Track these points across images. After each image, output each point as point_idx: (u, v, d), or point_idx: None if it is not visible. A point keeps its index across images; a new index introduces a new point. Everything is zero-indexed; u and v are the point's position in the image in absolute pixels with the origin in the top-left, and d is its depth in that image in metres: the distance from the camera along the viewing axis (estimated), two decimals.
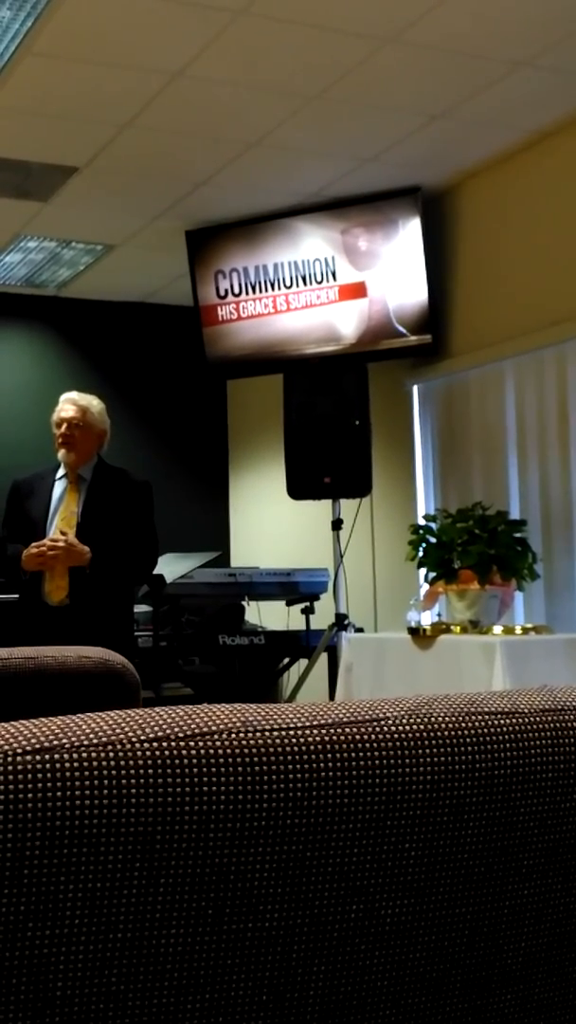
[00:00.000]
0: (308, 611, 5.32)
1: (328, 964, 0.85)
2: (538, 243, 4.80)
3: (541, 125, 4.62)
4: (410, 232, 5.17)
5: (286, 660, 5.49)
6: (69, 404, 4.17)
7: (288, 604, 5.49)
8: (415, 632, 4.23)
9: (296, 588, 5.46)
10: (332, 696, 4.80)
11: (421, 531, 4.43)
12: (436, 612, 4.52)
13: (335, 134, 4.63)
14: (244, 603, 5.54)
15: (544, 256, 4.77)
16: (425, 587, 4.54)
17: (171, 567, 5.09)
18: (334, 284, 5.36)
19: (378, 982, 0.88)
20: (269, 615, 5.69)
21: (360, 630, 5.14)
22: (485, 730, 0.95)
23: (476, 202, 5.16)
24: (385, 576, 5.60)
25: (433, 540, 4.38)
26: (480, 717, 0.96)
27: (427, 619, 4.37)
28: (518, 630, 4.09)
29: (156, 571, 4.84)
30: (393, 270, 5.23)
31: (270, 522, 6.42)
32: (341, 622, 5.12)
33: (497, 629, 4.08)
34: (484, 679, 3.87)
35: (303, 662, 5.22)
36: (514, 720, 0.97)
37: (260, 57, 3.97)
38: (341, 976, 0.87)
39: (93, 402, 4.22)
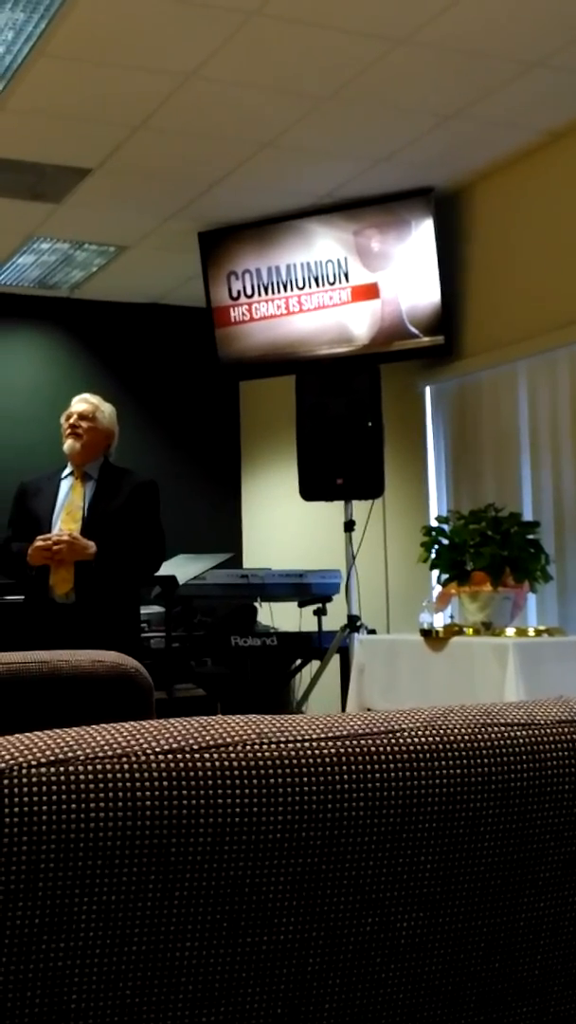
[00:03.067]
0: (320, 612, 5.32)
1: (343, 977, 0.85)
2: (551, 243, 4.79)
3: (554, 125, 4.61)
4: (423, 233, 5.16)
5: (298, 661, 5.49)
6: (81, 401, 4.24)
7: (300, 605, 5.49)
8: (427, 634, 4.22)
9: (308, 589, 5.46)
10: (344, 697, 4.79)
11: (433, 532, 4.43)
12: (449, 614, 4.51)
13: (347, 135, 4.62)
14: (256, 604, 5.54)
15: (557, 256, 4.76)
16: (437, 589, 4.53)
17: (183, 568, 5.10)
18: (347, 285, 5.35)
19: (394, 995, 0.88)
20: (281, 616, 5.69)
21: (372, 632, 5.13)
22: (501, 742, 0.94)
23: (489, 203, 5.15)
24: (397, 578, 5.60)
25: (445, 542, 4.37)
26: (496, 729, 0.95)
27: (439, 621, 4.36)
28: (531, 632, 4.08)
29: (168, 572, 4.85)
30: (406, 271, 5.22)
31: (282, 523, 6.42)
32: (353, 623, 5.12)
33: (510, 631, 4.07)
34: (497, 681, 3.86)
35: (315, 663, 5.21)
36: (530, 732, 0.96)
37: (272, 58, 3.97)
38: (356, 989, 0.86)
39: (104, 405, 4.27)
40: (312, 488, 5.32)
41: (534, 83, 4.19)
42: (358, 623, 5.12)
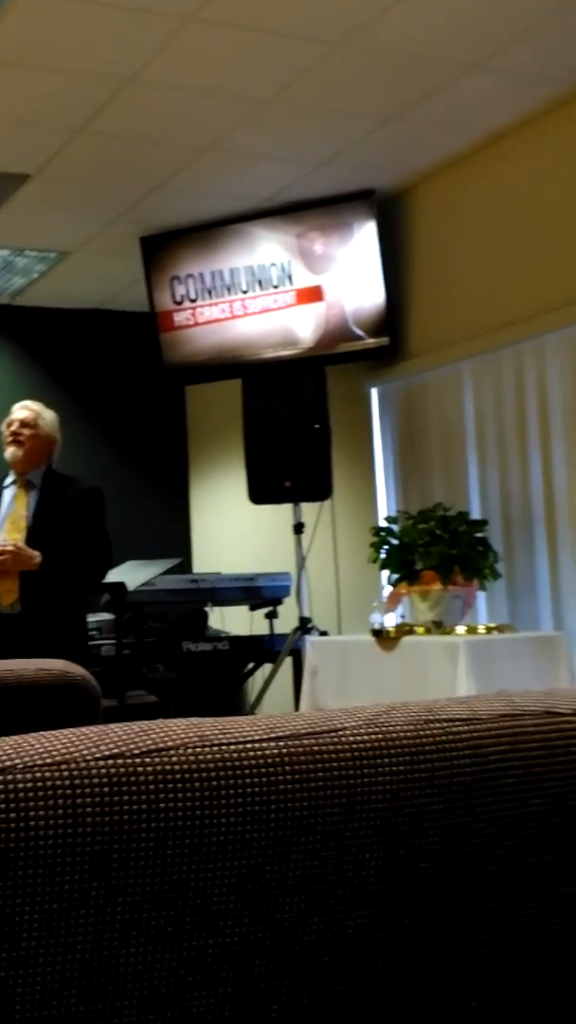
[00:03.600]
0: (272, 615, 5.32)
1: (291, 977, 0.85)
2: (493, 244, 4.83)
3: (494, 127, 4.65)
4: (366, 235, 5.18)
5: (250, 665, 5.49)
6: (22, 408, 4.21)
7: (251, 609, 5.49)
8: (379, 634, 4.24)
9: (259, 593, 5.45)
10: (297, 700, 4.79)
11: (383, 533, 4.45)
12: (399, 614, 4.53)
13: (288, 138, 4.63)
14: (207, 609, 5.53)
15: (499, 257, 4.80)
16: (388, 589, 4.55)
17: (133, 575, 5.08)
18: (291, 288, 5.36)
19: (342, 994, 0.88)
20: (233, 620, 5.69)
21: (324, 633, 5.14)
22: (444, 738, 0.95)
23: (431, 204, 5.18)
24: (348, 579, 5.61)
25: (395, 542, 4.39)
26: (438, 725, 0.96)
27: (390, 621, 4.38)
28: (481, 630, 4.11)
29: (117, 579, 4.83)
30: (349, 273, 5.24)
31: (232, 527, 6.41)
32: (305, 626, 5.12)
33: (460, 629, 4.10)
34: (448, 679, 3.88)
35: (268, 667, 5.21)
36: (473, 727, 0.97)
37: (211, 62, 3.97)
38: (304, 989, 0.86)
39: (46, 412, 4.24)
40: (261, 491, 5.32)
41: (473, 85, 4.22)
42: (309, 625, 5.13)
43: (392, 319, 5.21)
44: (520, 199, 4.69)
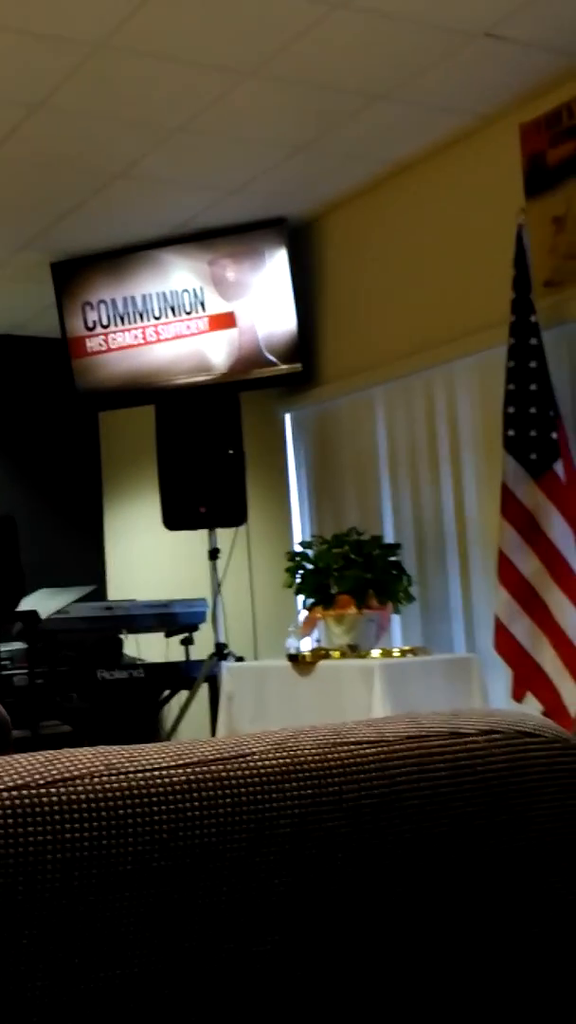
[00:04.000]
0: (187, 642, 5.30)
1: (201, 1004, 0.85)
2: (402, 272, 4.90)
3: (399, 157, 4.72)
4: (277, 263, 5.22)
5: (167, 692, 5.45)
6: None
7: (167, 635, 5.46)
8: (295, 659, 4.24)
9: (175, 619, 5.43)
10: (214, 726, 4.77)
11: (297, 558, 4.46)
12: (315, 638, 4.54)
13: (199, 166, 4.65)
14: (122, 636, 5.48)
15: (408, 285, 4.86)
16: (303, 613, 4.56)
17: (46, 602, 5.02)
18: (203, 315, 5.37)
19: (253, 1018, 0.88)
20: (148, 647, 5.65)
21: (240, 659, 5.13)
22: (351, 760, 0.95)
23: (340, 233, 5.24)
24: (264, 604, 5.61)
25: (310, 566, 4.41)
26: (346, 747, 0.96)
27: (306, 645, 4.39)
28: (396, 653, 4.14)
29: (30, 607, 4.77)
30: (262, 300, 5.27)
31: (147, 553, 6.38)
32: (221, 652, 5.11)
33: (375, 652, 4.13)
34: (364, 703, 3.90)
35: (184, 693, 5.18)
36: (380, 749, 0.97)
37: (121, 89, 3.97)
38: (214, 1015, 0.86)
39: None
40: (175, 517, 5.31)
41: (379, 116, 4.29)
42: (226, 651, 5.12)
43: (304, 345, 5.25)
44: (427, 228, 4.77)
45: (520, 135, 4.33)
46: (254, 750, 0.92)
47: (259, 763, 0.91)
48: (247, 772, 0.90)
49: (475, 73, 4.02)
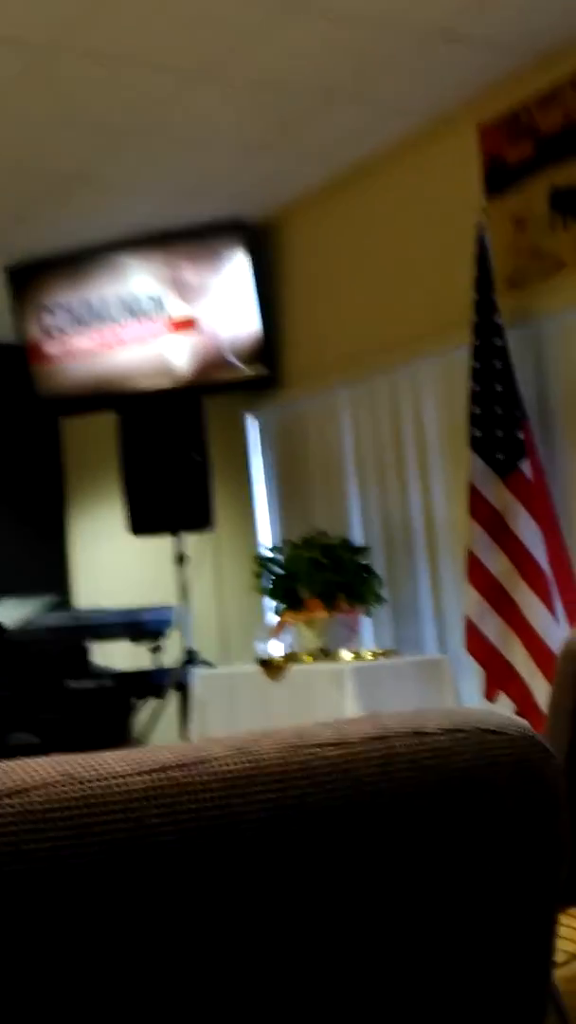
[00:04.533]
0: (156, 649, 5.28)
1: (162, 1010, 0.84)
2: (364, 273, 4.90)
3: (359, 158, 4.73)
4: (237, 265, 5.21)
5: (136, 701, 5.43)
6: None
7: (135, 643, 5.43)
8: (266, 664, 4.24)
9: (143, 627, 5.40)
10: (185, 733, 4.76)
11: (266, 562, 4.46)
12: (286, 642, 4.54)
13: (156, 168, 4.64)
14: (90, 645, 5.45)
15: (371, 284, 4.87)
16: (273, 618, 4.55)
17: (11, 613, 4.99)
18: (164, 318, 5.36)
19: (213, 1022, 0.87)
20: (116, 656, 5.62)
21: (210, 665, 5.12)
22: (314, 762, 0.95)
23: (301, 234, 5.24)
24: (233, 609, 5.60)
25: (278, 570, 4.40)
26: (308, 750, 0.95)
27: (277, 650, 4.38)
28: (367, 655, 4.14)
29: None
30: (223, 303, 5.26)
31: (113, 560, 6.35)
32: (191, 658, 5.10)
33: (346, 655, 4.12)
34: (336, 705, 3.90)
35: (154, 701, 5.16)
36: (342, 750, 0.97)
37: (75, 92, 3.96)
38: (175, 1020, 0.85)
39: None
40: (141, 523, 5.29)
41: (338, 116, 4.29)
42: (195, 657, 5.11)
43: (268, 348, 5.24)
44: (388, 229, 4.77)
45: (479, 135, 4.35)
46: (215, 755, 0.91)
47: (220, 768, 0.90)
48: (208, 777, 0.89)
49: (433, 74, 4.04)
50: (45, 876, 0.79)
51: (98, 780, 0.85)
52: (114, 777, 0.85)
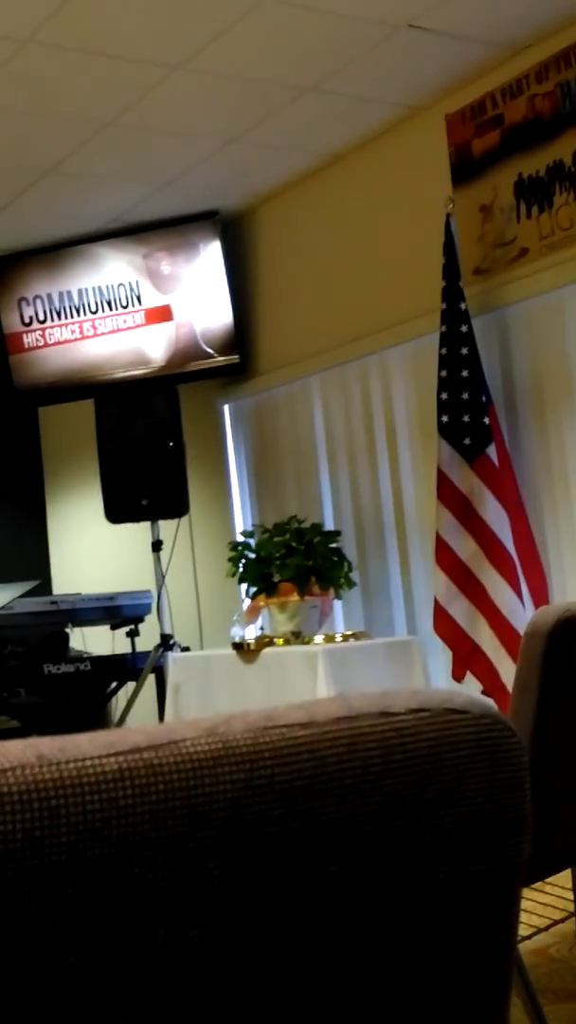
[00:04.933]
0: (133, 634, 5.29)
1: (138, 992, 0.86)
2: (335, 262, 4.92)
3: (330, 148, 4.74)
4: (211, 255, 5.22)
5: (114, 684, 5.44)
6: None
7: (113, 628, 5.45)
8: (240, 647, 4.26)
9: (120, 612, 5.42)
10: (162, 717, 4.78)
11: (239, 547, 4.48)
12: (259, 626, 4.57)
13: (130, 160, 4.64)
14: (68, 630, 5.46)
15: (341, 274, 4.89)
16: (247, 602, 4.58)
17: None
18: (140, 308, 5.36)
19: (189, 1003, 0.89)
20: (94, 640, 5.63)
21: (186, 649, 5.14)
22: (283, 743, 0.97)
23: (273, 224, 5.25)
24: (208, 594, 5.63)
25: (252, 555, 4.43)
26: (277, 731, 0.98)
27: (251, 633, 4.41)
28: (339, 638, 4.18)
29: None
30: (197, 293, 5.27)
31: (90, 547, 6.36)
32: (166, 642, 5.12)
33: (318, 638, 4.16)
34: (309, 688, 3.93)
35: (131, 685, 5.18)
36: (311, 731, 0.99)
37: (50, 85, 3.95)
38: (152, 1001, 0.87)
39: None
40: (118, 510, 5.30)
41: (309, 107, 4.30)
42: (171, 642, 5.13)
43: (241, 337, 5.26)
44: (359, 218, 4.79)
45: (446, 125, 4.36)
46: (185, 736, 0.93)
47: (191, 749, 0.92)
48: (179, 758, 0.91)
49: (401, 64, 4.05)
50: (20, 856, 0.81)
51: (71, 761, 0.87)
52: (87, 759, 0.87)
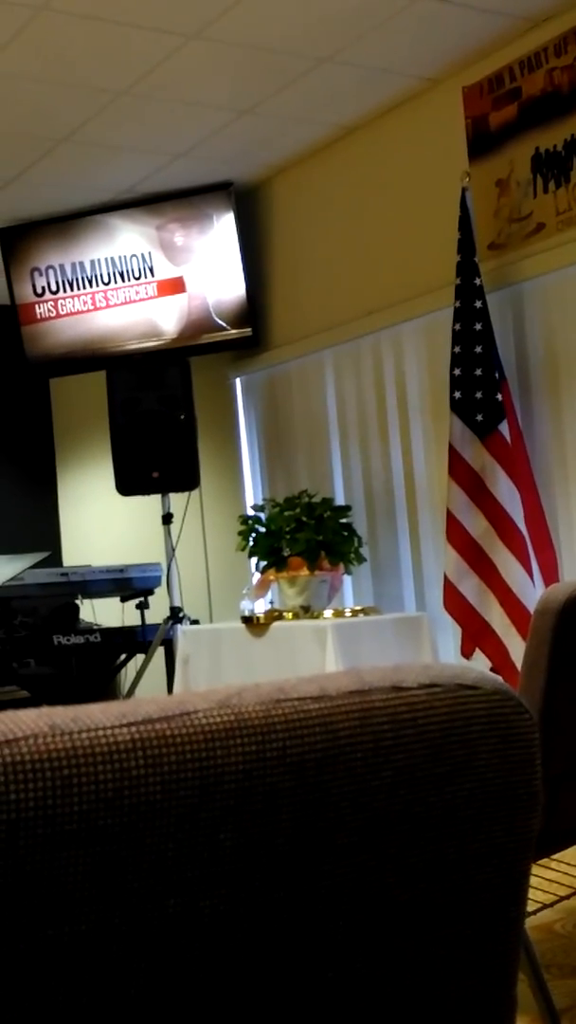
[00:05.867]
0: (143, 606, 5.31)
1: (148, 960, 0.86)
2: (348, 235, 4.89)
3: (345, 119, 4.71)
4: (225, 227, 5.19)
5: (123, 656, 5.47)
6: None
7: (122, 600, 5.47)
8: (249, 620, 4.27)
9: (130, 584, 5.44)
10: (170, 689, 4.80)
11: (250, 521, 4.49)
12: (269, 600, 4.58)
13: (145, 130, 4.61)
14: (78, 602, 5.48)
15: (355, 247, 4.87)
16: (256, 576, 4.59)
17: (0, 569, 5.01)
18: (152, 280, 5.35)
19: (200, 972, 0.90)
20: (104, 612, 5.65)
21: (196, 622, 5.16)
22: (295, 716, 0.97)
23: (287, 196, 5.22)
24: (217, 567, 5.63)
25: (262, 529, 4.43)
26: (289, 703, 0.98)
27: (260, 607, 4.42)
28: (348, 613, 4.18)
29: None
30: (210, 264, 5.25)
31: (101, 519, 6.37)
32: (176, 615, 5.14)
33: (328, 613, 4.17)
34: (318, 662, 3.94)
35: (140, 657, 5.20)
36: (322, 704, 0.99)
37: (64, 53, 3.92)
38: (162, 970, 0.88)
39: None
40: (128, 483, 5.31)
41: (324, 78, 4.27)
42: (181, 614, 5.14)
43: (253, 310, 5.24)
44: (373, 191, 4.76)
45: (463, 98, 4.33)
46: (198, 708, 0.93)
47: (203, 720, 0.92)
48: (191, 729, 0.91)
49: (418, 35, 4.02)
50: (32, 824, 0.82)
51: (83, 731, 0.87)
52: (99, 729, 0.87)
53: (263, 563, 4.44)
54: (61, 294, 5.50)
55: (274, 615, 4.27)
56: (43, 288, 5.54)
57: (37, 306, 5.56)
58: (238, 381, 5.56)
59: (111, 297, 5.43)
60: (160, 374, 5.29)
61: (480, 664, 3.82)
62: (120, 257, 5.38)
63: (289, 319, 5.24)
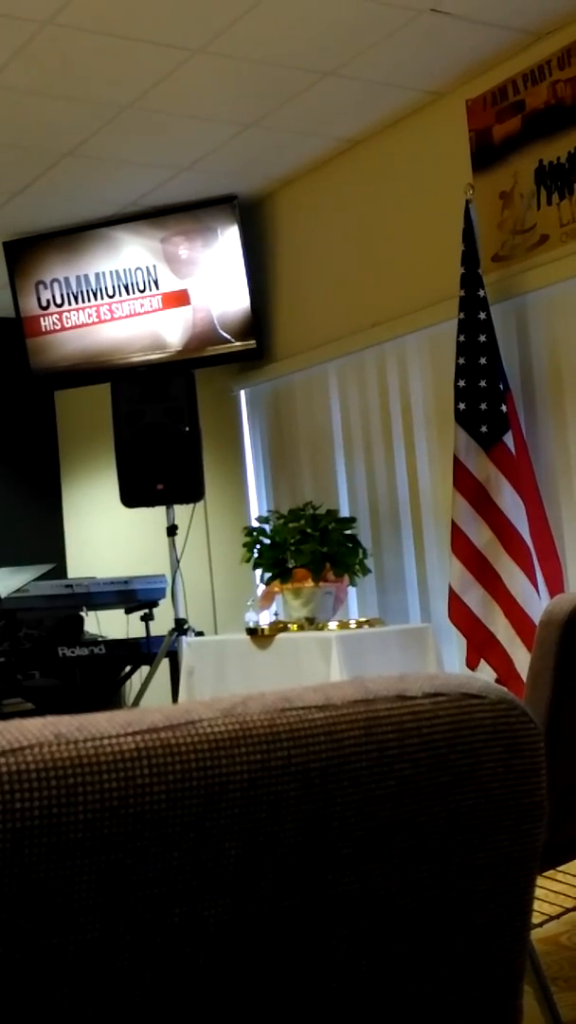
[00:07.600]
0: (147, 618, 5.31)
1: (153, 970, 0.86)
2: (352, 247, 4.91)
3: (349, 133, 4.72)
4: (229, 240, 5.21)
5: (128, 668, 5.47)
6: None
7: (127, 612, 5.47)
8: (253, 632, 4.27)
9: (134, 596, 5.44)
10: (175, 701, 4.79)
11: (254, 533, 4.49)
12: (273, 611, 4.57)
13: (150, 143, 4.63)
14: (83, 613, 5.49)
15: (359, 260, 4.88)
16: (261, 588, 4.59)
17: (5, 581, 5.01)
18: (157, 292, 5.36)
19: (204, 981, 0.90)
20: (109, 624, 5.65)
21: (200, 634, 5.15)
22: (300, 725, 0.97)
23: (292, 209, 5.24)
24: (222, 579, 5.64)
25: (267, 541, 4.44)
26: (294, 712, 0.98)
27: (265, 619, 4.42)
28: (352, 624, 4.18)
29: None
30: (215, 277, 5.27)
31: (105, 531, 6.38)
32: (181, 627, 5.13)
33: (332, 624, 4.16)
34: (322, 674, 3.93)
35: (145, 669, 5.20)
36: (327, 713, 0.99)
37: (69, 67, 3.94)
38: (167, 979, 0.88)
39: None
40: (133, 495, 5.31)
41: (328, 92, 4.29)
42: (185, 626, 5.14)
43: (258, 322, 5.25)
44: (377, 204, 4.78)
45: (467, 111, 4.34)
46: (203, 717, 0.93)
47: (208, 729, 0.92)
48: (196, 738, 0.91)
49: (422, 49, 4.03)
50: (37, 833, 0.82)
51: (89, 740, 0.87)
52: (104, 738, 0.87)
53: (268, 575, 4.44)
54: (66, 307, 5.52)
55: (279, 627, 4.26)
56: (48, 301, 5.56)
57: (42, 319, 5.58)
58: (242, 393, 5.57)
59: (116, 310, 5.44)
60: (165, 386, 5.30)
61: (485, 675, 3.82)
62: (125, 270, 5.40)
63: (293, 331, 5.26)
